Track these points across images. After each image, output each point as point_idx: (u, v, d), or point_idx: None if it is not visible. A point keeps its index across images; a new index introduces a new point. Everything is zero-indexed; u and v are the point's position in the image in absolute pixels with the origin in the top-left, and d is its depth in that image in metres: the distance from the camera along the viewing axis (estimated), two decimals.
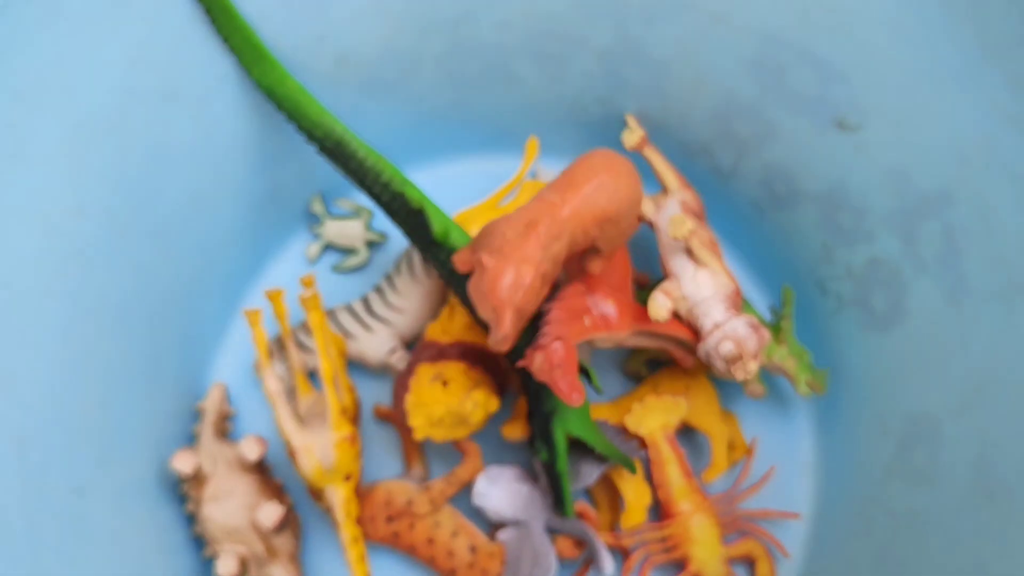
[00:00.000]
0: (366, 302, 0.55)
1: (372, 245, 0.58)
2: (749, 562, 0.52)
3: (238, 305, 0.57)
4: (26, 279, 0.41)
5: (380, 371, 0.55)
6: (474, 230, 0.51)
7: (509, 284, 0.40)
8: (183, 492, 0.51)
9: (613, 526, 0.52)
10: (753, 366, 0.47)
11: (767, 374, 0.55)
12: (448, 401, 0.46)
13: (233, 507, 0.49)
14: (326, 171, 0.57)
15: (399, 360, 0.53)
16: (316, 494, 0.50)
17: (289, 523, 0.50)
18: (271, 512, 0.48)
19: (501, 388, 0.50)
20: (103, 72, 0.42)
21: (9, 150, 0.38)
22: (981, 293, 0.45)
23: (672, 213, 0.50)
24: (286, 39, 0.48)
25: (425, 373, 0.48)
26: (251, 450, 0.49)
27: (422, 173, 0.59)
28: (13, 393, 0.40)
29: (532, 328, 0.46)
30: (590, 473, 0.49)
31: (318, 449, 0.47)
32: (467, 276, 0.47)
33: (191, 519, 0.51)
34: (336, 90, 0.51)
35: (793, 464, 0.55)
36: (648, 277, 0.56)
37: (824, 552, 0.52)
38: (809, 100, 0.49)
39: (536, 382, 0.47)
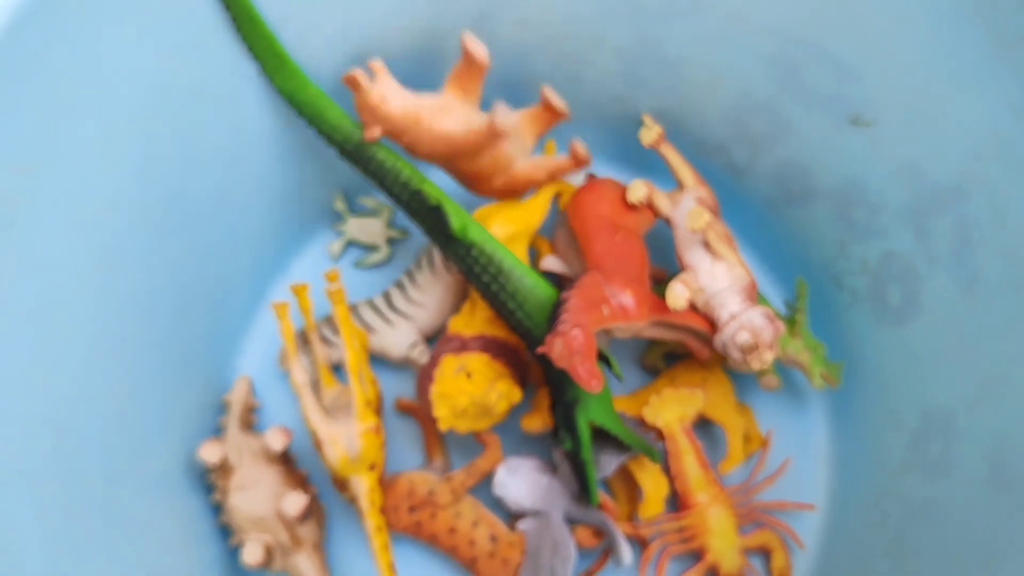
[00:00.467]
0: (387, 297, 0.55)
1: (393, 241, 0.59)
2: (765, 553, 0.53)
3: (263, 300, 0.58)
4: (61, 273, 0.42)
5: (401, 365, 0.56)
6: (494, 227, 0.52)
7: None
8: (210, 482, 0.52)
9: (631, 516, 0.53)
10: (769, 356, 0.48)
11: (782, 367, 0.56)
12: (472, 392, 0.47)
13: (259, 497, 0.50)
14: (348, 169, 0.58)
15: (420, 354, 0.54)
16: (340, 484, 0.51)
17: (313, 513, 0.51)
18: (295, 502, 0.49)
19: (522, 381, 0.51)
20: (137, 71, 0.43)
21: (47, 146, 0.39)
22: (994, 286, 0.45)
23: (688, 208, 0.51)
24: (307, 41, 0.49)
25: (449, 365, 0.49)
26: (276, 441, 0.50)
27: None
28: (50, 382, 0.41)
29: (552, 316, 0.47)
30: (609, 463, 0.50)
31: (343, 439, 0.48)
32: (484, 271, 0.48)
33: (218, 508, 0.52)
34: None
35: (808, 456, 0.55)
36: (665, 272, 0.56)
37: (839, 543, 0.52)
38: (824, 97, 0.50)
39: (558, 372, 0.48)
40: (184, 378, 0.51)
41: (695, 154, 0.56)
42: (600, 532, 0.51)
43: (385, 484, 0.52)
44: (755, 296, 0.49)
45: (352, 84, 0.47)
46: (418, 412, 0.55)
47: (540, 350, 0.43)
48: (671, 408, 0.52)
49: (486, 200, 0.59)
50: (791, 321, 0.53)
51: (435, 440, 0.54)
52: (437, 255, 0.55)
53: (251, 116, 0.50)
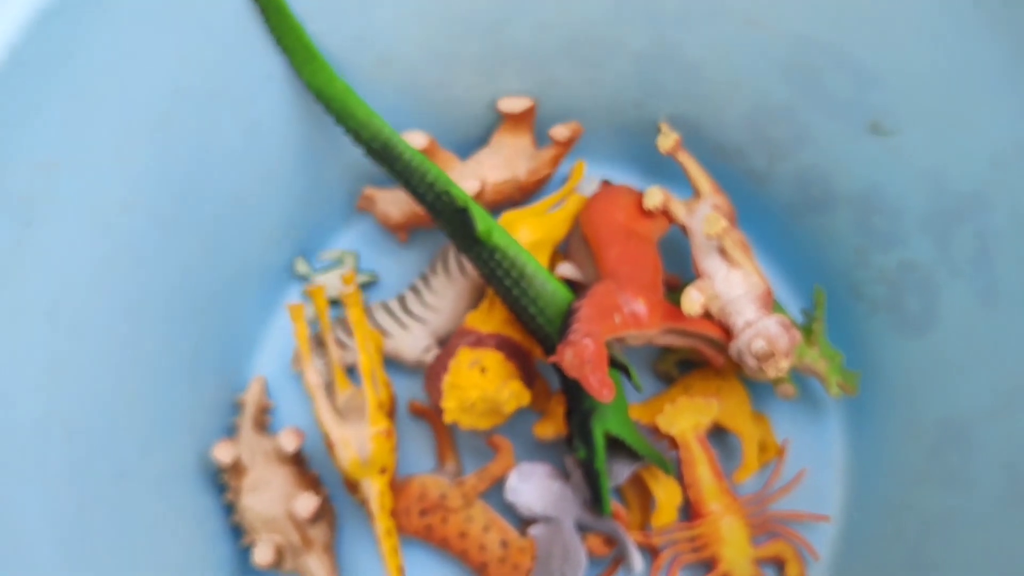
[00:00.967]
0: (402, 301, 0.56)
1: (365, 286, 0.59)
2: (779, 564, 0.52)
3: (278, 301, 0.58)
4: (77, 272, 0.42)
5: (415, 368, 0.56)
6: (518, 233, 0.52)
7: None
8: (222, 482, 0.52)
9: (643, 525, 0.53)
10: (784, 364, 0.48)
11: (799, 376, 0.56)
12: (485, 387, 0.47)
13: (270, 497, 0.50)
14: (365, 170, 0.58)
15: (433, 358, 0.54)
16: (352, 486, 0.51)
17: (324, 514, 0.51)
18: (307, 503, 0.49)
19: (529, 385, 0.51)
20: (155, 71, 0.43)
21: (66, 145, 0.40)
22: (1015, 296, 0.45)
23: (704, 215, 0.51)
24: (329, 39, 0.49)
25: (465, 357, 0.49)
26: (289, 442, 0.50)
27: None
28: (64, 379, 0.41)
29: (564, 325, 0.46)
30: (621, 472, 0.50)
31: (355, 442, 0.48)
32: (506, 275, 0.48)
33: (230, 508, 0.52)
34: (376, 90, 0.52)
35: (824, 466, 0.55)
36: (679, 279, 0.56)
37: (854, 555, 0.52)
38: (844, 103, 0.49)
39: (574, 381, 0.48)
40: (198, 378, 0.51)
41: (713, 160, 0.56)
42: (611, 540, 0.51)
43: (396, 487, 0.52)
44: (771, 304, 0.49)
45: None
46: (431, 415, 0.55)
47: (551, 359, 0.43)
48: (685, 417, 0.52)
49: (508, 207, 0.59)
50: (808, 330, 0.53)
51: (447, 444, 0.54)
52: (452, 260, 0.55)
53: (268, 115, 0.50)
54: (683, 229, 0.51)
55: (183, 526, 0.49)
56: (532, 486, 0.51)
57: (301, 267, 0.58)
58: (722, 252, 0.49)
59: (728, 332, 0.49)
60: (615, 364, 0.46)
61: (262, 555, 0.49)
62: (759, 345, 0.47)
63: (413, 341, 0.55)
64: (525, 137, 0.56)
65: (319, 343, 0.55)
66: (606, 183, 0.57)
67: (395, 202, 0.57)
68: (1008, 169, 0.44)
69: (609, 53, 0.53)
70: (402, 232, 0.58)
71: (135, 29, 0.41)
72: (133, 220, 0.45)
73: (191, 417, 0.51)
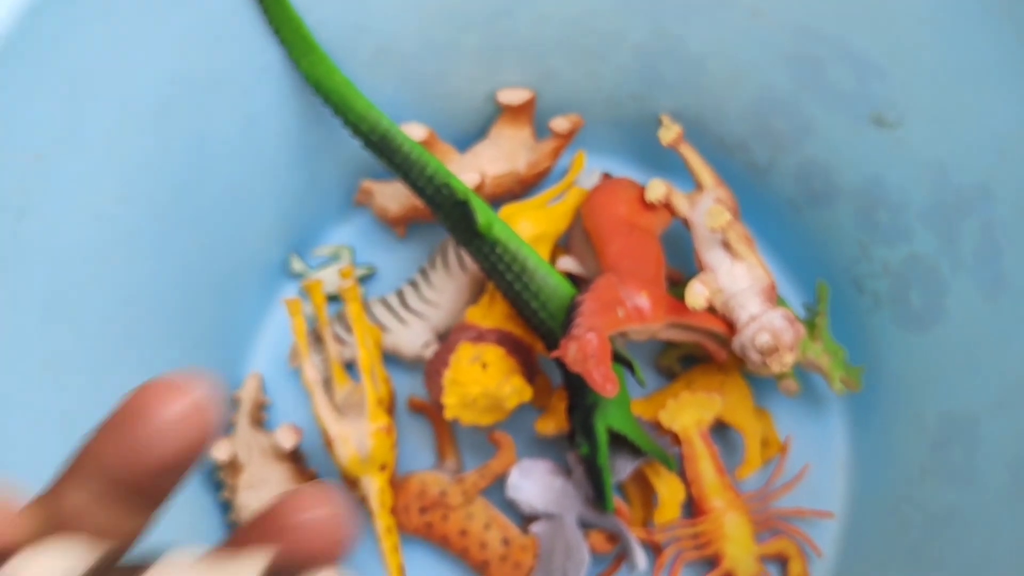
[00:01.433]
0: (401, 296, 0.55)
1: (364, 279, 0.58)
2: (782, 560, 0.52)
3: (274, 296, 0.57)
4: (71, 264, 0.41)
5: (414, 364, 0.55)
6: (519, 226, 0.51)
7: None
8: (219, 479, 0.52)
9: (646, 522, 0.52)
10: (789, 358, 0.47)
11: (802, 371, 0.55)
12: (487, 383, 0.47)
13: (268, 495, 0.49)
14: (363, 163, 0.57)
15: (433, 353, 0.54)
16: (351, 483, 0.50)
17: None
18: None
19: (530, 381, 0.50)
20: (151, 61, 0.43)
21: (60, 135, 0.39)
22: (1020, 291, 0.44)
23: (707, 208, 0.50)
24: (327, 29, 0.49)
25: (466, 352, 0.48)
26: (286, 439, 0.49)
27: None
28: (59, 375, 0.41)
29: (566, 319, 0.46)
30: (623, 468, 0.49)
31: (354, 438, 0.48)
32: (507, 269, 0.47)
33: (227, 506, 0.52)
34: (375, 81, 0.52)
35: (827, 462, 0.54)
36: (682, 274, 0.56)
37: (857, 551, 0.51)
38: (847, 95, 0.49)
39: (577, 375, 0.47)
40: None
41: (715, 153, 0.56)
42: (614, 537, 0.50)
43: (396, 484, 0.51)
44: (775, 298, 0.48)
45: None
46: (431, 411, 0.54)
47: (554, 354, 0.42)
48: (688, 412, 0.51)
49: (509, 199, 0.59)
50: (811, 324, 0.52)
51: (448, 440, 0.54)
52: (452, 254, 0.54)
53: (265, 108, 0.50)
54: (685, 222, 0.51)
55: (179, 525, 0.48)
56: (533, 483, 0.50)
57: (296, 265, 0.57)
58: (726, 245, 0.49)
59: (731, 327, 0.48)
60: (618, 359, 0.46)
61: None
62: (764, 339, 0.47)
63: (412, 336, 0.54)
64: (525, 129, 0.55)
65: (317, 339, 0.55)
66: (607, 176, 0.57)
67: (394, 196, 0.56)
68: (1013, 160, 0.44)
69: (610, 45, 0.53)
70: (401, 226, 0.58)
71: (131, 18, 0.40)
72: (129, 212, 0.44)
73: None
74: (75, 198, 0.41)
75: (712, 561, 0.52)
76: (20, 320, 0.38)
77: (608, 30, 0.52)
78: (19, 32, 0.36)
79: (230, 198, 0.51)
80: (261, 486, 0.49)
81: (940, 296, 0.49)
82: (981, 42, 0.43)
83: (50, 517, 0.19)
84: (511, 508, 0.53)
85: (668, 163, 0.57)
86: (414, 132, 0.53)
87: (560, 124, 0.55)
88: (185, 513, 0.49)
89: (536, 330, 0.48)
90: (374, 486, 0.48)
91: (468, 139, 0.57)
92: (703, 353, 0.54)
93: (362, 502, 0.50)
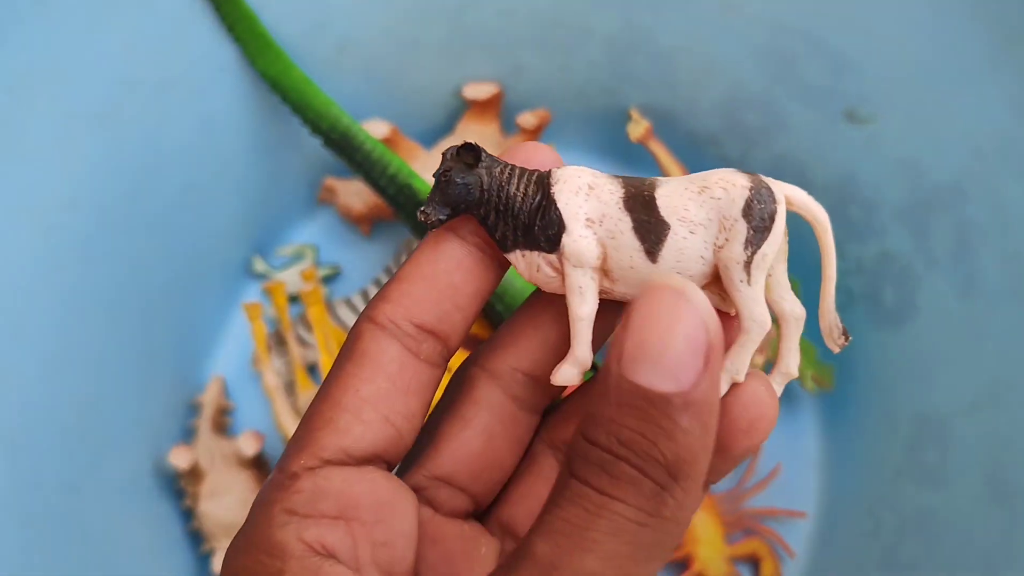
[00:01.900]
0: (365, 295, 0.54)
1: (328, 279, 0.57)
2: (754, 561, 0.51)
3: (237, 297, 0.56)
4: (19, 274, 0.40)
5: None
6: None
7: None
8: (180, 487, 0.50)
9: None
10: (758, 359, 0.47)
11: (771, 369, 0.55)
12: None
13: (231, 503, 0.48)
14: (325, 161, 0.56)
15: None
16: None
17: None
18: None
19: None
20: (97, 62, 0.41)
21: (1, 143, 0.38)
22: (994, 289, 0.44)
23: None
24: (286, 26, 0.47)
25: None
26: (249, 446, 0.49)
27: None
28: (5, 389, 0.39)
29: None
30: None
31: None
32: None
33: (189, 515, 0.51)
34: (336, 78, 0.50)
35: (799, 462, 0.54)
36: None
37: (830, 552, 0.51)
38: (820, 91, 0.48)
39: None
40: (153, 380, 0.50)
41: (686, 148, 0.55)
42: None
43: None
44: None
45: None
46: None
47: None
48: None
49: None
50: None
51: None
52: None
53: (222, 107, 0.49)
54: None
55: (140, 535, 0.47)
56: None
57: (259, 266, 0.56)
58: None
59: None
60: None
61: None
62: None
63: None
64: (491, 125, 0.54)
65: (280, 341, 0.54)
66: None
67: (358, 193, 0.55)
68: (987, 160, 0.44)
69: (578, 38, 0.52)
70: (365, 224, 0.56)
71: (73, 18, 0.39)
72: (79, 218, 0.43)
73: (146, 421, 0.49)
74: (21, 205, 0.40)
75: (683, 564, 0.51)
76: None
77: (577, 23, 0.51)
78: None
79: (188, 200, 0.49)
80: (224, 494, 0.48)
81: (913, 294, 0.48)
82: (957, 39, 0.43)
83: None
84: None
85: (638, 159, 0.56)
86: (377, 129, 0.51)
87: (527, 120, 0.53)
88: (145, 523, 0.48)
89: None
90: None
91: (434, 135, 0.56)
92: None
93: None
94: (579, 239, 0.24)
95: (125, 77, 0.43)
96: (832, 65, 0.47)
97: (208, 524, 0.48)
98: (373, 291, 0.54)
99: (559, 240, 0.24)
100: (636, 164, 0.57)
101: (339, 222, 0.58)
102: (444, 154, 0.25)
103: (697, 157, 0.55)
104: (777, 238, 0.24)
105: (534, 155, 0.26)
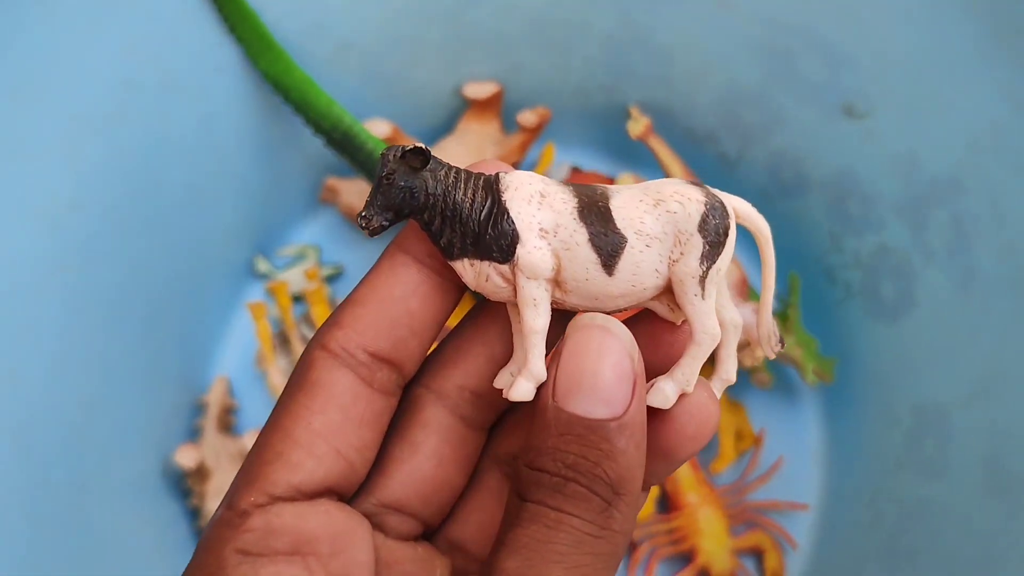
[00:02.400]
0: None
1: (331, 278, 0.57)
2: (757, 554, 0.52)
3: (240, 297, 0.56)
4: (24, 275, 0.40)
5: None
6: None
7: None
8: (187, 487, 0.51)
9: None
10: (760, 353, 0.47)
11: (774, 363, 0.55)
12: None
13: None
14: (327, 161, 0.56)
15: None
16: None
17: None
18: None
19: None
20: (100, 63, 0.41)
21: (5, 145, 0.38)
22: (991, 282, 0.44)
23: None
24: (286, 26, 0.48)
25: None
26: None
27: None
28: (13, 389, 0.40)
29: None
30: None
31: None
32: None
33: (195, 514, 0.51)
34: (337, 78, 0.51)
35: (801, 454, 0.54)
36: None
37: (832, 543, 0.51)
38: (817, 86, 0.48)
39: None
40: (158, 379, 0.50)
41: (684, 145, 0.55)
42: None
43: None
44: (746, 292, 0.48)
45: None
46: None
47: None
48: None
49: None
50: (783, 316, 0.52)
51: None
52: None
53: (224, 107, 0.49)
54: None
55: (146, 534, 0.47)
56: None
57: (262, 265, 0.56)
58: None
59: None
60: None
61: None
62: None
63: None
64: (492, 123, 0.54)
65: (284, 340, 0.54)
66: (576, 170, 0.56)
67: (360, 193, 0.55)
68: (984, 153, 0.44)
69: (577, 37, 0.52)
70: None
71: (76, 21, 0.39)
72: (83, 219, 0.43)
73: (151, 421, 0.49)
74: (26, 206, 0.40)
75: (687, 556, 0.52)
76: None
77: (575, 21, 0.51)
78: None
79: (191, 200, 0.49)
80: None
81: (911, 287, 0.48)
82: (952, 33, 0.43)
83: None
84: None
85: (637, 156, 0.56)
86: (378, 128, 0.51)
87: (528, 118, 0.54)
88: (152, 521, 0.48)
89: None
90: None
91: (434, 134, 0.56)
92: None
93: None
94: (533, 251, 0.24)
95: (128, 78, 0.43)
96: (828, 61, 0.47)
97: None
98: None
99: (513, 251, 0.24)
100: (636, 161, 0.57)
101: (341, 222, 0.58)
102: (385, 155, 0.24)
103: (695, 153, 0.55)
104: (730, 252, 0.24)
105: (491, 171, 0.25)
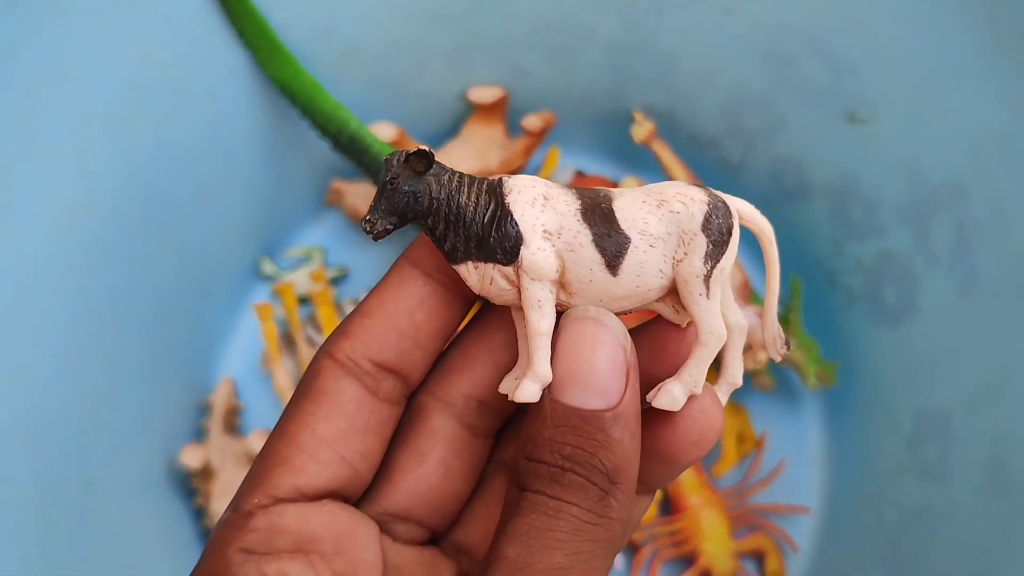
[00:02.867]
0: None
1: (336, 280, 0.57)
2: (758, 556, 0.52)
3: (246, 299, 0.57)
4: (35, 276, 0.41)
5: None
6: None
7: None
8: (192, 487, 0.51)
9: None
10: (762, 356, 0.47)
11: (776, 367, 0.55)
12: None
13: None
14: (333, 164, 0.56)
15: None
16: None
17: None
18: None
19: None
20: (111, 67, 0.42)
21: (18, 147, 0.38)
22: (993, 287, 0.44)
23: None
24: (293, 31, 0.48)
25: None
26: (259, 445, 0.49)
27: None
28: (23, 389, 0.40)
29: None
30: None
31: None
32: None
33: (200, 514, 0.51)
34: (343, 82, 0.51)
35: (802, 458, 0.54)
36: None
37: (833, 547, 0.51)
38: (820, 92, 0.49)
39: None
40: (165, 379, 0.50)
41: (688, 149, 0.55)
42: None
43: None
44: (747, 296, 0.48)
45: None
46: None
47: None
48: None
49: None
50: (784, 320, 0.52)
51: None
52: None
53: (233, 110, 0.49)
54: None
55: (152, 534, 0.48)
56: None
57: (267, 267, 0.56)
58: None
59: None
60: None
61: None
62: None
63: None
64: (497, 127, 0.55)
65: (290, 342, 0.54)
66: (579, 174, 0.56)
67: (365, 196, 0.55)
68: (986, 158, 0.44)
69: (582, 42, 0.52)
70: None
71: (87, 25, 0.40)
72: (93, 220, 0.43)
73: (158, 421, 0.50)
74: (37, 208, 0.40)
75: (689, 559, 0.52)
76: None
77: (580, 26, 0.52)
78: None
79: (199, 202, 0.50)
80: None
81: (913, 292, 0.49)
82: (955, 40, 0.43)
83: None
84: None
85: (641, 160, 0.57)
86: (384, 132, 0.52)
87: (532, 122, 0.54)
88: (158, 521, 0.49)
89: None
90: None
91: (439, 138, 0.56)
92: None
93: None
94: (538, 252, 0.24)
95: (137, 81, 0.43)
96: (831, 66, 0.47)
97: None
98: None
99: (517, 252, 0.24)
100: (640, 166, 0.58)
101: (347, 224, 0.58)
102: (388, 160, 0.24)
103: (698, 158, 0.55)
104: (733, 252, 0.24)
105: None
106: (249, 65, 0.48)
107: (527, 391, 0.24)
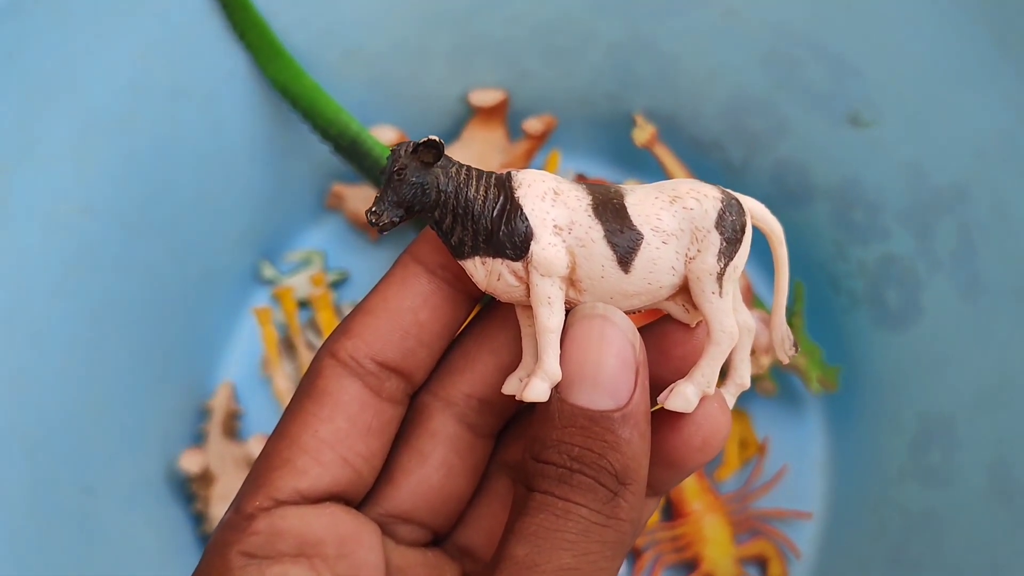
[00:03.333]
0: None
1: (336, 284, 0.57)
2: (761, 562, 0.52)
3: (245, 303, 0.56)
4: (34, 278, 0.41)
5: None
6: None
7: None
8: (191, 491, 0.51)
9: None
10: (764, 360, 0.47)
11: (778, 371, 0.55)
12: None
13: None
14: (334, 167, 0.56)
15: None
16: None
17: None
18: None
19: None
20: (111, 69, 0.42)
21: (18, 149, 0.38)
22: (997, 291, 0.44)
23: None
24: (294, 34, 0.48)
25: None
26: (259, 450, 0.49)
27: None
28: (21, 393, 0.40)
29: None
30: None
31: None
32: None
33: (200, 518, 0.51)
34: (344, 85, 0.51)
35: (805, 463, 0.54)
36: None
37: (837, 552, 0.51)
38: (822, 95, 0.49)
39: None
40: (164, 384, 0.50)
41: (690, 153, 0.55)
42: None
43: None
44: (751, 300, 0.48)
45: None
46: None
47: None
48: None
49: None
50: (788, 324, 0.52)
51: None
52: None
53: (233, 113, 0.49)
54: None
55: (151, 539, 0.47)
56: None
57: (267, 271, 0.56)
58: None
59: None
60: None
61: None
62: None
63: None
64: (498, 131, 0.54)
65: (289, 346, 0.54)
66: (580, 177, 0.56)
67: (365, 199, 0.55)
68: (989, 161, 0.44)
69: (583, 45, 0.52)
70: (373, 230, 0.57)
71: (87, 28, 0.39)
72: (93, 223, 0.43)
73: (157, 425, 0.49)
74: (38, 211, 0.40)
75: (691, 564, 0.52)
76: None
77: (581, 30, 0.51)
78: None
79: (198, 205, 0.50)
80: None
81: (917, 296, 0.48)
82: (958, 43, 0.43)
83: None
84: None
85: (643, 163, 0.57)
86: (385, 135, 0.52)
87: (533, 126, 0.54)
88: (158, 526, 0.48)
89: None
90: None
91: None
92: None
93: None
94: (548, 247, 0.23)
95: (138, 84, 0.43)
96: (834, 69, 0.47)
97: None
98: None
99: (527, 248, 0.23)
100: (641, 169, 0.57)
101: (347, 228, 0.58)
102: (396, 150, 0.24)
103: (700, 161, 0.55)
104: (746, 250, 0.24)
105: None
106: (250, 68, 0.48)
107: (536, 390, 0.23)
